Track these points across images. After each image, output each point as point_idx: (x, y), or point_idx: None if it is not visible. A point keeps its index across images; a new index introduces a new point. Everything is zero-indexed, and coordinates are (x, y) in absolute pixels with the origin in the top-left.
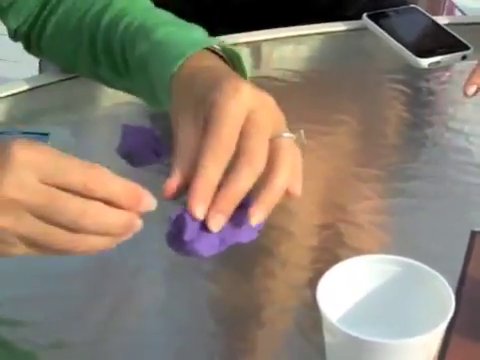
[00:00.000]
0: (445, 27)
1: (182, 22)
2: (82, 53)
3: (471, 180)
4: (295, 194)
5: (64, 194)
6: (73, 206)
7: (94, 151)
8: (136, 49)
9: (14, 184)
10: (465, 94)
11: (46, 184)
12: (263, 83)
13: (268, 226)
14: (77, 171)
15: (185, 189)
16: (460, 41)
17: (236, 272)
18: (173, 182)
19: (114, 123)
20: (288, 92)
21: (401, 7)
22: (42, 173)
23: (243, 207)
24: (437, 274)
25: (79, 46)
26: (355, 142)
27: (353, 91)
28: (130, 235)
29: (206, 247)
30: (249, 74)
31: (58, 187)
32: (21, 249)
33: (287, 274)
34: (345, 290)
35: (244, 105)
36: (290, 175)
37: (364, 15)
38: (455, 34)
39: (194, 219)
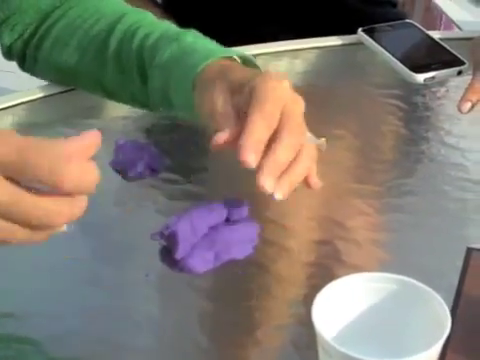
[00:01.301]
0: (440, 42)
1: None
2: (87, 62)
3: (467, 196)
4: (316, 185)
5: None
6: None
7: None
8: (164, 51)
9: None
10: (460, 111)
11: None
12: None
13: (264, 242)
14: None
15: (231, 145)
16: (456, 56)
17: (230, 288)
18: (223, 136)
19: (110, 137)
20: None
21: (396, 22)
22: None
23: (236, 223)
24: (433, 292)
25: (84, 56)
26: (351, 157)
27: (348, 106)
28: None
29: (200, 263)
30: None
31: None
32: None
33: (283, 291)
34: (340, 308)
35: (286, 92)
36: (311, 165)
37: (359, 30)
38: (450, 49)
39: (186, 236)
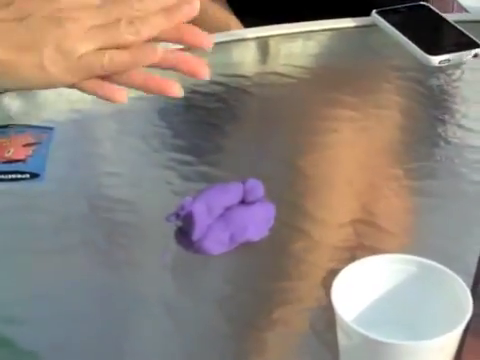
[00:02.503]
0: (455, 24)
1: None
2: None
3: None
4: None
5: None
6: None
7: (101, 147)
8: None
9: None
10: None
11: None
12: (271, 79)
13: (280, 223)
14: None
15: None
16: (471, 39)
17: (247, 270)
18: None
19: (120, 118)
20: (296, 88)
21: (410, 4)
22: None
23: (252, 204)
24: (454, 275)
25: None
26: (366, 139)
27: (362, 88)
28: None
29: (215, 245)
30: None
31: None
32: None
33: (301, 273)
34: (360, 290)
35: None
36: None
37: (373, 11)
38: (466, 32)
39: (202, 217)
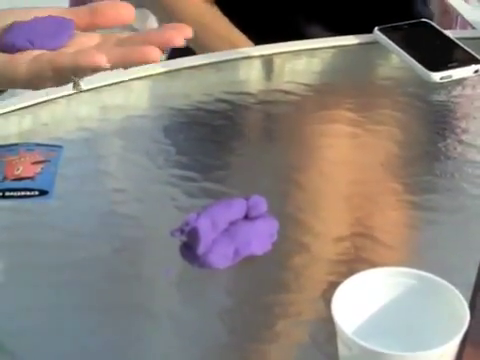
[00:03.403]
0: (457, 41)
1: None
2: None
3: None
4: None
5: None
6: None
7: (107, 164)
8: None
9: None
10: None
11: None
12: (275, 96)
13: (282, 238)
14: None
15: None
16: (472, 55)
17: (250, 284)
18: None
19: (126, 136)
20: (300, 105)
21: (412, 21)
22: None
23: (255, 220)
24: (452, 287)
25: None
26: (367, 155)
27: (364, 104)
28: None
29: (220, 259)
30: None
31: None
32: None
33: (301, 287)
34: (360, 302)
35: None
36: None
37: (375, 29)
38: (467, 48)
39: (207, 232)
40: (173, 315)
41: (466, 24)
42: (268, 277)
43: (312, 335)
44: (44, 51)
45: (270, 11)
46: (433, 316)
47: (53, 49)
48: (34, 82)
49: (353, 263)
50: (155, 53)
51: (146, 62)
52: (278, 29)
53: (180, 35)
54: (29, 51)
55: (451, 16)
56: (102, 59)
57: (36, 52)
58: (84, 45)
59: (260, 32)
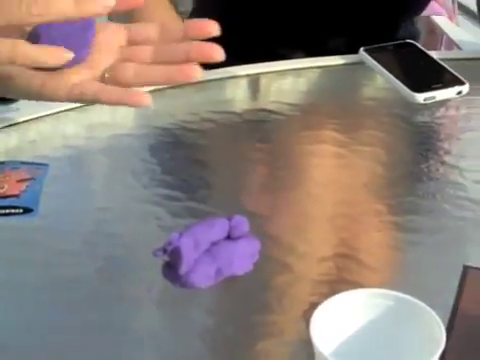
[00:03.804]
0: (441, 62)
1: None
2: None
3: (465, 215)
4: None
5: None
6: None
7: (92, 182)
8: None
9: None
10: None
11: None
12: (261, 116)
13: (264, 258)
14: None
15: None
16: (456, 76)
17: (231, 304)
18: None
19: (112, 154)
20: (286, 125)
21: (397, 42)
22: None
23: (237, 240)
24: (428, 308)
25: None
26: (351, 176)
27: (348, 125)
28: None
29: (202, 278)
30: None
31: None
32: None
33: (283, 307)
34: (338, 324)
35: None
36: None
37: (361, 49)
38: (451, 69)
39: (189, 251)
40: (155, 335)
41: (452, 44)
42: (250, 297)
43: (293, 355)
44: (87, 77)
45: (255, 37)
46: (410, 337)
47: (80, 58)
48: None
49: (335, 284)
50: (198, 73)
51: (189, 81)
52: (263, 55)
53: (218, 49)
54: (67, 71)
55: (437, 36)
56: (148, 100)
57: (74, 75)
58: (113, 45)
59: (245, 56)
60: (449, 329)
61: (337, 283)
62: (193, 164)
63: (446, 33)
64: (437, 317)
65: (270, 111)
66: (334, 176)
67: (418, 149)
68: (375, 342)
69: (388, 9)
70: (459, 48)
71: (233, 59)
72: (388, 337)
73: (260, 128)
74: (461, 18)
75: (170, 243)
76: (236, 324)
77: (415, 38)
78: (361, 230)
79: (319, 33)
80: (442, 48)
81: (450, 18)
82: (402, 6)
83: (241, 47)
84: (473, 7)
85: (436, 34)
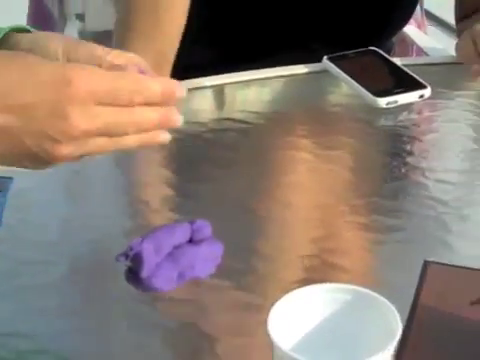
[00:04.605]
0: (403, 67)
1: None
2: None
3: (428, 213)
4: None
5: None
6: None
7: (54, 192)
8: None
9: (82, 116)
10: None
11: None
12: (226, 124)
13: (227, 261)
14: (124, 90)
15: None
16: (418, 81)
17: (193, 307)
18: None
19: (77, 165)
20: (251, 133)
21: (360, 49)
22: (98, 99)
23: (200, 243)
24: (385, 301)
25: None
26: (316, 179)
27: (315, 131)
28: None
29: (164, 282)
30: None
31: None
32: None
33: (245, 310)
34: (297, 320)
35: None
36: None
37: (324, 58)
38: (413, 74)
39: (151, 255)
40: (117, 339)
41: (422, 52)
42: (212, 300)
43: (258, 355)
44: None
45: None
46: (369, 330)
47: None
48: None
49: (302, 283)
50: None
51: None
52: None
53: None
54: None
55: (407, 44)
56: (166, 138)
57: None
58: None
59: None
60: (409, 321)
61: (304, 283)
62: (159, 173)
63: (415, 42)
64: (393, 308)
65: (235, 120)
66: (301, 180)
67: (382, 152)
68: (333, 336)
69: (371, 25)
70: (427, 55)
71: (220, 63)
72: (347, 330)
73: (226, 137)
74: (431, 28)
75: (131, 248)
76: (198, 325)
77: (390, 49)
78: (328, 232)
79: (302, 44)
80: (413, 56)
81: (419, 27)
82: (385, 23)
83: (226, 51)
84: (443, 16)
85: (406, 43)
